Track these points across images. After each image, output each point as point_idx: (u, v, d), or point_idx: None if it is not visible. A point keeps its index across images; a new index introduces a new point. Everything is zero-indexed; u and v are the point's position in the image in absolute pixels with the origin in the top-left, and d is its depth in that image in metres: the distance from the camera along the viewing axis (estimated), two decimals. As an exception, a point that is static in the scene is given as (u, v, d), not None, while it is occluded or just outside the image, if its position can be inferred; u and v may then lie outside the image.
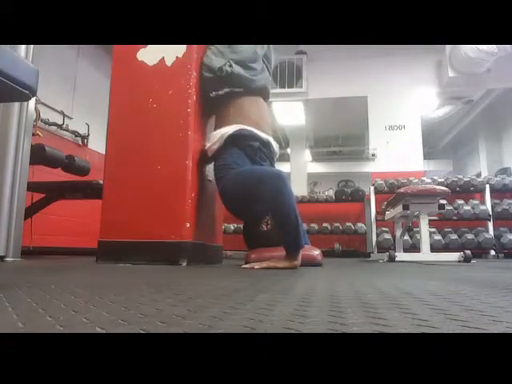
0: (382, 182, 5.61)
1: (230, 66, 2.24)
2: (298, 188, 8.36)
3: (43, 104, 4.28)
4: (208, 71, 2.30)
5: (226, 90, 2.26)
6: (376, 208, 5.32)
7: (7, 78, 0.86)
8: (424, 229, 3.13)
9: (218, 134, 2.20)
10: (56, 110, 4.75)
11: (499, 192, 5.40)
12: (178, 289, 0.90)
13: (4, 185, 2.41)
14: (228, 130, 2.18)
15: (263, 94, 2.43)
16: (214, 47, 2.36)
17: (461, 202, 5.31)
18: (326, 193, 7.24)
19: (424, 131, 6.32)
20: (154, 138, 2.23)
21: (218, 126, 2.30)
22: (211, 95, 2.30)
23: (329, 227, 5.85)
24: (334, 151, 12.06)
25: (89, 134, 5.34)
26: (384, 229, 5.34)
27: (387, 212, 4.04)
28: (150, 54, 2.32)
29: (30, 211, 3.21)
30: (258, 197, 1.94)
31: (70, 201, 3.86)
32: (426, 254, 3.08)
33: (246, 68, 2.31)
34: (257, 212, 2.12)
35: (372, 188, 5.57)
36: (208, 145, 2.24)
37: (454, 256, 3.09)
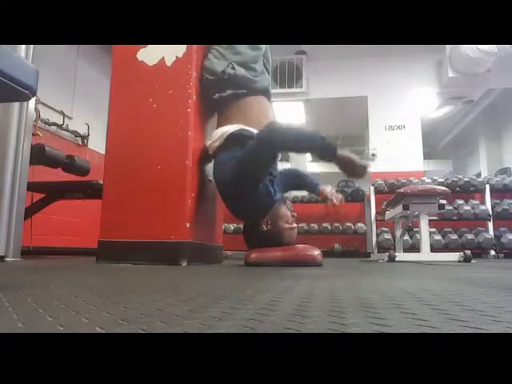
0: (382, 181, 5.60)
1: (233, 68, 2.25)
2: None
3: (43, 104, 4.28)
4: (210, 74, 2.30)
5: (230, 92, 2.26)
6: (376, 208, 5.32)
7: (7, 78, 0.86)
8: (424, 229, 3.13)
9: (220, 132, 2.21)
10: (56, 110, 4.75)
11: (499, 192, 5.40)
12: (177, 289, 0.90)
13: (4, 185, 2.41)
14: (230, 128, 2.19)
15: (265, 94, 2.43)
16: (215, 50, 2.36)
17: (461, 201, 5.30)
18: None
19: (424, 131, 6.32)
20: (154, 138, 2.23)
21: (219, 126, 2.30)
22: (214, 97, 2.30)
23: (329, 227, 5.85)
24: (334, 151, 12.04)
25: (89, 134, 5.33)
26: (384, 229, 5.34)
27: (387, 212, 4.04)
28: (150, 54, 2.32)
29: (30, 211, 3.21)
30: (260, 162, 1.97)
31: (70, 201, 3.86)
32: (426, 254, 3.08)
33: (248, 69, 2.32)
34: (260, 188, 2.03)
35: (372, 188, 5.57)
36: (209, 142, 2.26)
37: (454, 256, 3.08)
